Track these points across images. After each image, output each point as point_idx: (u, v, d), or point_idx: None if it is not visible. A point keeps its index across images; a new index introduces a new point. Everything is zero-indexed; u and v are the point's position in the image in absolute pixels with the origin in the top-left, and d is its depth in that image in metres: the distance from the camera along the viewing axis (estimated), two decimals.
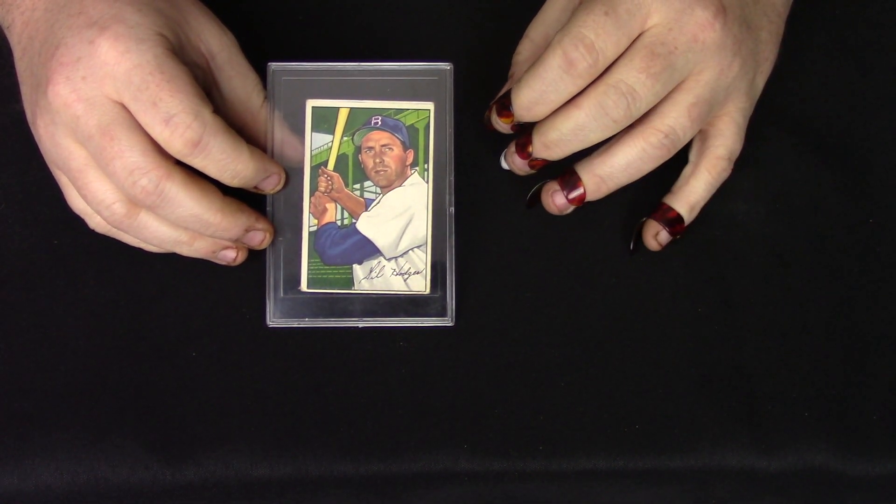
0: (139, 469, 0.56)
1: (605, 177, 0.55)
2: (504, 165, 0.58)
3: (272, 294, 0.57)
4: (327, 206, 0.57)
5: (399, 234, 0.57)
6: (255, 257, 0.58)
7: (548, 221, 0.60)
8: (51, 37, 0.52)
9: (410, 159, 0.57)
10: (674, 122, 0.53)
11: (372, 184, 0.57)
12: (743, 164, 0.61)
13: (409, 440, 0.57)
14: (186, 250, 0.55)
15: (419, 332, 0.58)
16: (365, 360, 0.58)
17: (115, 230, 0.55)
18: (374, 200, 0.57)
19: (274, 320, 0.57)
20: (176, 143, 0.50)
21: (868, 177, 0.61)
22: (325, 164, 0.57)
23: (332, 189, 0.57)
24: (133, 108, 0.50)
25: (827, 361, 0.59)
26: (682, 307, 0.59)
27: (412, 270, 0.57)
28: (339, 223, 0.57)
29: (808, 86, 0.63)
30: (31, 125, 0.54)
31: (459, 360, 0.58)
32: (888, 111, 0.62)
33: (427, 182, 0.57)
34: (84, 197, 0.53)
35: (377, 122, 0.57)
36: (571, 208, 0.56)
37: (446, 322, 0.58)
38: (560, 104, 0.53)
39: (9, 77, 0.60)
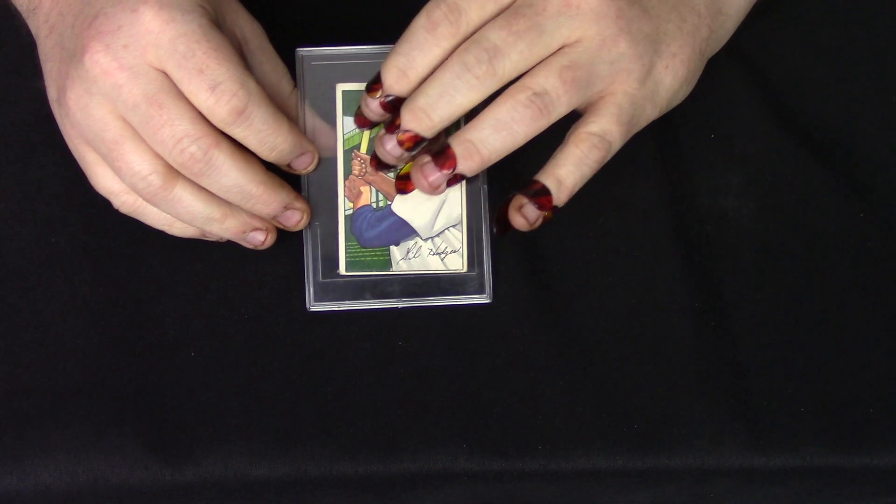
0: (138, 469, 0.56)
1: (475, 141, 0.51)
2: (382, 171, 0.57)
3: (311, 278, 0.57)
4: (362, 189, 0.57)
5: (434, 214, 0.57)
6: (256, 257, 0.58)
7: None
8: (87, 8, 0.52)
9: (442, 139, 0.57)
10: (544, 82, 0.51)
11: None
12: (732, 161, 0.61)
13: (408, 440, 0.57)
14: (217, 228, 0.55)
15: (418, 332, 0.58)
16: (364, 360, 0.58)
17: (142, 208, 0.55)
18: None
19: (314, 304, 0.57)
20: (221, 111, 0.50)
21: (858, 172, 0.62)
22: (358, 147, 0.57)
23: (365, 172, 0.57)
24: (177, 76, 0.50)
25: (822, 356, 0.59)
26: (679, 304, 0.59)
27: (449, 249, 0.57)
28: (374, 206, 0.57)
29: (797, 81, 0.63)
30: (55, 103, 0.54)
31: (458, 359, 0.58)
32: (876, 106, 0.63)
33: None
34: (118, 170, 0.52)
35: None
36: (444, 187, 0.53)
37: (484, 299, 0.58)
38: (428, 69, 0.51)
39: (8, 77, 0.60)
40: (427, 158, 0.53)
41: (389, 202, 0.57)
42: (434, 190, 0.53)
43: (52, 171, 0.59)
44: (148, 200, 0.53)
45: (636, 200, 0.60)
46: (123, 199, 0.54)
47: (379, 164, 0.55)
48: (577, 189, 0.53)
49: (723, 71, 0.62)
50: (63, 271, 0.58)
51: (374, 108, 0.53)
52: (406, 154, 0.53)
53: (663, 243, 0.60)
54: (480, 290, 0.58)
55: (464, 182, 0.57)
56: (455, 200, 0.57)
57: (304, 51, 0.57)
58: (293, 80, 0.57)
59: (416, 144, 0.53)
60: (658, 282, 0.60)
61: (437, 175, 0.53)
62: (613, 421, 0.58)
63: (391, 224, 0.57)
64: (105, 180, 0.54)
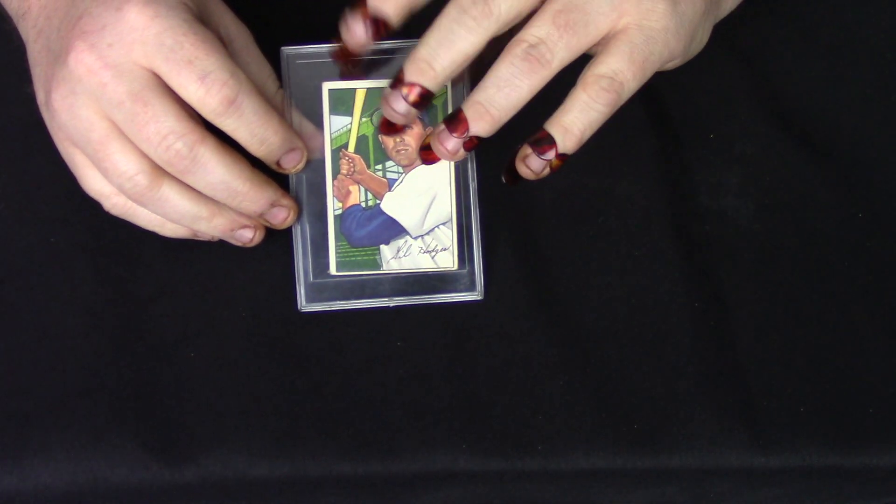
0: (138, 469, 0.56)
1: (483, 101, 0.51)
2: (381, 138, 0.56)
3: (302, 280, 0.57)
4: (350, 188, 0.57)
5: (424, 213, 0.57)
6: (254, 257, 0.58)
7: (539, 221, 0.60)
8: (72, 10, 0.52)
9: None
10: (537, 31, 0.50)
11: (394, 164, 0.57)
12: (732, 161, 0.61)
13: (408, 440, 0.57)
14: (205, 227, 0.55)
15: (417, 333, 0.58)
16: (363, 360, 0.58)
17: (132, 210, 0.55)
18: (396, 180, 0.57)
19: (306, 305, 0.57)
20: (212, 101, 0.50)
21: (856, 171, 0.62)
22: (346, 146, 0.57)
23: (354, 171, 0.57)
24: (165, 69, 0.50)
25: (822, 356, 0.59)
26: (679, 304, 0.59)
27: (439, 247, 0.57)
28: (363, 205, 0.57)
29: (796, 81, 0.63)
30: (42, 106, 0.54)
31: (457, 359, 0.58)
32: (874, 105, 0.63)
33: None
34: (105, 171, 0.52)
35: None
36: (462, 152, 0.52)
37: (475, 296, 0.58)
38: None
39: (8, 78, 0.60)
40: (442, 126, 0.52)
41: (379, 201, 0.57)
42: (453, 156, 0.52)
43: (52, 171, 0.59)
44: (135, 201, 0.53)
45: (636, 200, 0.60)
46: (114, 201, 0.55)
47: (388, 126, 0.55)
48: (587, 135, 0.52)
49: (722, 71, 0.62)
50: (63, 271, 0.58)
51: (358, 30, 0.51)
52: (413, 111, 0.52)
53: (663, 243, 0.60)
54: (471, 288, 0.58)
55: (452, 180, 0.57)
56: (445, 198, 0.57)
57: (288, 49, 0.57)
58: (279, 80, 0.57)
59: (423, 99, 0.52)
60: (658, 282, 0.60)
61: (452, 141, 0.52)
62: (613, 421, 0.58)
63: (381, 223, 0.57)
64: (95, 182, 0.54)
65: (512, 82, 0.50)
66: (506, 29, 0.51)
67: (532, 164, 0.53)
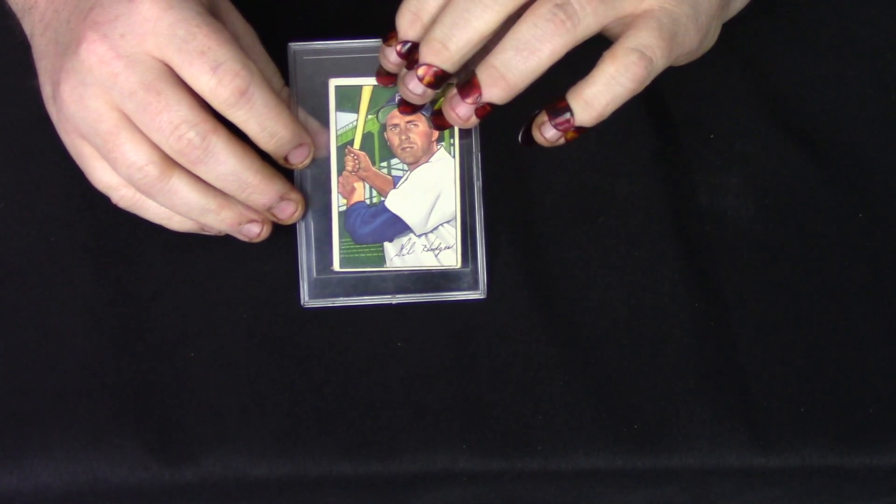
0: (138, 469, 0.56)
1: (498, 65, 0.49)
2: (397, 99, 0.56)
3: (305, 275, 0.58)
4: (355, 185, 0.57)
5: (428, 211, 0.57)
6: (255, 257, 0.58)
7: (540, 220, 0.60)
8: (82, 2, 0.52)
9: (436, 135, 0.57)
10: None
11: (399, 161, 0.57)
12: (731, 161, 0.61)
13: (408, 440, 0.57)
14: (213, 220, 0.54)
15: (418, 333, 0.58)
16: (364, 360, 0.58)
17: (140, 202, 0.55)
18: (401, 178, 0.57)
19: (309, 301, 0.58)
20: (223, 92, 0.50)
21: (856, 172, 0.62)
22: (351, 143, 0.57)
23: (359, 168, 0.57)
24: (177, 60, 0.50)
25: (822, 356, 0.59)
26: (679, 304, 0.59)
27: (443, 246, 0.57)
28: (368, 202, 0.57)
29: (796, 81, 0.63)
30: (49, 100, 0.54)
31: (458, 359, 0.58)
32: (875, 106, 0.63)
33: (454, 157, 0.57)
34: (113, 161, 0.52)
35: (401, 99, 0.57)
36: (474, 119, 0.51)
37: (478, 295, 0.58)
38: (440, 8, 0.50)
39: (7, 77, 0.60)
40: (454, 91, 0.51)
41: (383, 198, 0.57)
42: (464, 122, 0.51)
43: (51, 170, 0.59)
44: (144, 192, 0.53)
45: (636, 200, 0.60)
46: (122, 192, 0.54)
47: (405, 105, 0.54)
48: (608, 111, 0.50)
49: (722, 71, 0.62)
50: (63, 271, 0.58)
51: (392, 59, 0.52)
52: (429, 92, 0.52)
53: (663, 243, 0.60)
54: (474, 287, 0.58)
55: (457, 178, 0.57)
56: (449, 197, 0.57)
57: (296, 45, 0.57)
58: (284, 79, 0.57)
59: (438, 79, 0.51)
60: (658, 282, 0.60)
61: (464, 107, 0.51)
62: (613, 421, 0.58)
63: (385, 220, 0.57)
64: (103, 174, 0.54)
65: (532, 45, 0.49)
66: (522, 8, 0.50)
67: (547, 133, 0.52)
